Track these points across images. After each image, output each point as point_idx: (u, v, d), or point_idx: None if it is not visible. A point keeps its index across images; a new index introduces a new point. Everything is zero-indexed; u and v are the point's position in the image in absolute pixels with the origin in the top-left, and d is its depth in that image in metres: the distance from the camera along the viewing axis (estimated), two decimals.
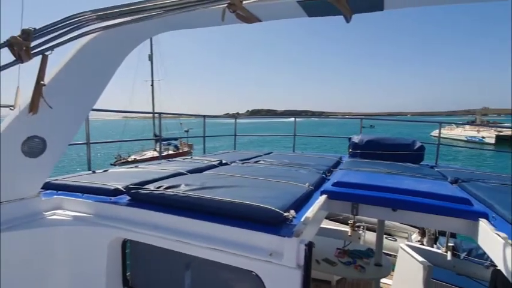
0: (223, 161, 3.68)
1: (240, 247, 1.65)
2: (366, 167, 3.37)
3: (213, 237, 1.74)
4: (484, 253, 4.38)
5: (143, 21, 1.54)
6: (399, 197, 2.29)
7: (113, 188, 2.30)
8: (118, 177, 2.64)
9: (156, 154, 21.13)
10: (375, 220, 6.29)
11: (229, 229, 1.72)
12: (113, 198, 2.21)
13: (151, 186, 2.17)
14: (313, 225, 1.84)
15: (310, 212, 1.92)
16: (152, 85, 28.40)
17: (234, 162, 3.71)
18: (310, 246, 1.54)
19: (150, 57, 28.00)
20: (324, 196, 2.30)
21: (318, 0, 1.61)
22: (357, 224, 5.60)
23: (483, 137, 32.58)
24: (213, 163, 3.55)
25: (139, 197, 2.12)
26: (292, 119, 6.55)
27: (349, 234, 4.93)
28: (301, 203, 2.12)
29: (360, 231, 5.42)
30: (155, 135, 21.36)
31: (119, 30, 1.74)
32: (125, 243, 2.14)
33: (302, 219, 1.80)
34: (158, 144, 10.09)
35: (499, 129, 33.10)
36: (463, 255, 4.45)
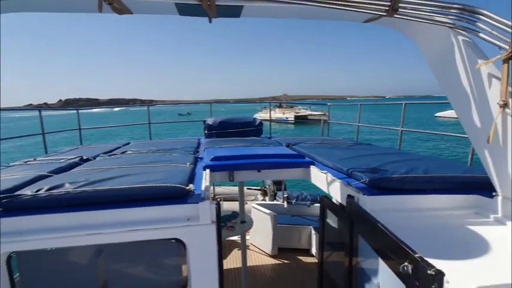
0: (84, 157, 3.40)
1: (159, 222, 1.86)
2: (226, 143, 4.01)
3: (130, 221, 1.85)
4: (306, 196, 6.11)
5: None
6: (261, 160, 3.03)
7: None
8: None
9: None
10: (227, 191, 7.28)
11: (143, 210, 1.88)
12: None
13: (27, 191, 1.92)
14: (209, 193, 2.25)
15: (203, 183, 2.31)
16: None
17: (98, 156, 3.50)
18: (218, 204, 1.95)
19: None
20: (207, 170, 2.73)
21: (191, 4, 1.90)
22: (216, 196, 6.37)
23: (287, 118, 41.45)
24: (73, 160, 3.22)
25: (18, 205, 1.85)
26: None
27: None
28: (192, 178, 2.47)
29: (220, 202, 6.22)
30: None
31: None
32: (10, 259, 1.84)
33: (202, 188, 2.17)
34: None
35: (296, 110, 43.45)
36: (293, 201, 6.04)
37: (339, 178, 2.45)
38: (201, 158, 3.36)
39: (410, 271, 1.19)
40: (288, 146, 4.06)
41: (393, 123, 4.90)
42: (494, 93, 1.78)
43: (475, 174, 2.27)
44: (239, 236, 4.80)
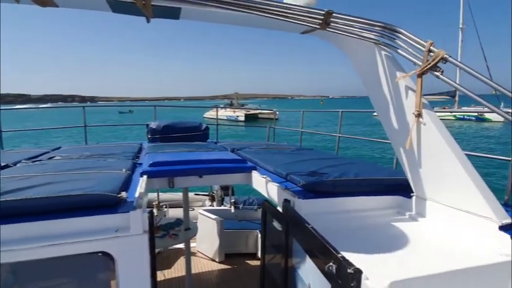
0: (2, 164, 3.00)
1: (84, 234, 1.70)
2: (169, 148, 3.86)
3: (49, 235, 1.67)
4: (253, 201, 6.17)
5: None
6: (202, 166, 2.98)
7: None
8: None
9: None
10: (174, 197, 7.04)
11: (65, 221, 1.71)
12: None
13: None
14: (144, 201, 2.14)
15: (138, 190, 2.19)
16: None
17: (19, 162, 3.11)
18: (151, 213, 1.86)
19: None
20: (145, 176, 2.59)
21: (125, 2, 1.80)
22: (161, 204, 6.11)
23: (238, 116, 41.54)
24: None
25: None
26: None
27: (156, 214, 5.39)
28: (126, 186, 2.32)
29: (165, 209, 5.98)
30: None
31: None
32: None
33: (136, 196, 2.05)
34: None
35: (247, 109, 43.84)
36: (241, 206, 6.07)
37: (278, 182, 2.51)
38: (141, 164, 3.18)
39: (334, 270, 1.26)
40: (232, 151, 4.05)
41: (337, 123, 5.18)
42: (410, 103, 1.96)
43: (398, 176, 2.49)
44: (183, 244, 4.66)
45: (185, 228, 4.27)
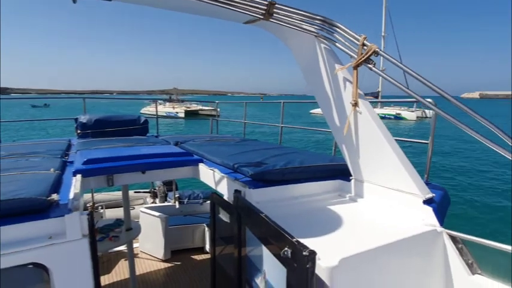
0: None
1: (9, 245, 1.49)
2: (104, 144, 3.56)
3: None
4: (198, 194, 6.06)
5: None
6: (145, 161, 2.82)
7: None
8: None
9: None
10: (110, 197, 6.55)
11: None
12: None
13: None
14: (80, 202, 1.95)
15: (73, 191, 1.99)
16: None
17: None
18: (91, 215, 1.70)
19: None
20: (78, 176, 2.36)
21: None
22: (96, 205, 5.63)
23: (177, 112, 40.15)
24: None
25: None
26: None
27: None
28: (57, 187, 2.10)
29: (101, 211, 5.53)
30: None
31: None
32: None
33: (71, 197, 1.86)
34: None
35: (187, 105, 42.63)
36: (186, 201, 5.90)
37: (227, 174, 2.51)
38: (72, 162, 2.88)
39: (289, 255, 1.30)
40: (176, 144, 3.91)
41: (278, 118, 5.38)
42: (348, 94, 2.12)
43: (337, 162, 2.69)
44: (125, 246, 4.38)
45: (126, 229, 4.01)
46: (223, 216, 2.47)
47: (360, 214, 2.07)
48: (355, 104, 2.08)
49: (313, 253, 1.21)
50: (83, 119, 4.49)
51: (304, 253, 1.21)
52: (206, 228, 5.34)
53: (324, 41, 2.19)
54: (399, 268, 1.67)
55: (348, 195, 2.39)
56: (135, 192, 7.03)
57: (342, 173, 2.54)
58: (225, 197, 2.58)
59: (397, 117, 39.54)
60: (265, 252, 1.65)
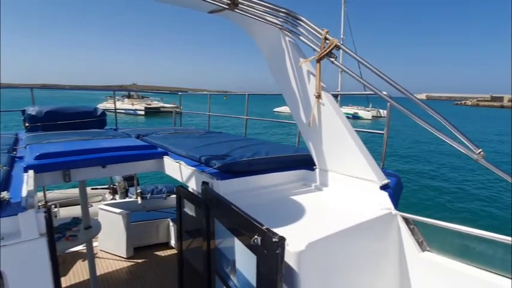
0: None
1: None
2: (57, 137, 3.32)
3: None
4: (161, 189, 5.90)
5: None
6: (105, 154, 2.70)
7: None
8: None
9: None
10: (66, 195, 6.14)
11: None
12: None
13: None
14: (35, 199, 1.82)
15: (25, 188, 1.85)
16: None
17: None
18: (49, 212, 1.60)
19: None
20: (31, 171, 2.20)
21: None
22: (48, 203, 5.26)
23: (136, 109, 38.32)
24: None
25: None
26: None
27: None
28: (6, 184, 1.95)
29: (55, 209, 5.18)
30: None
31: None
32: None
33: (24, 195, 1.73)
34: None
35: (148, 102, 40.97)
36: (148, 196, 5.72)
37: (193, 166, 2.49)
38: (21, 158, 2.67)
39: (259, 242, 1.34)
40: (138, 137, 3.77)
41: (242, 115, 5.42)
42: (312, 86, 2.21)
43: (301, 153, 2.79)
44: (84, 245, 4.14)
45: (85, 227, 3.79)
46: (190, 209, 2.46)
47: (324, 201, 2.18)
48: (319, 96, 2.18)
49: (282, 239, 1.26)
50: (32, 110, 4.13)
51: (274, 239, 1.26)
52: (171, 223, 5.22)
53: (288, 34, 2.25)
54: (359, 249, 1.80)
55: (312, 184, 2.49)
56: (92, 189, 6.65)
57: (306, 163, 2.64)
58: (191, 189, 2.56)
59: (355, 117, 41.71)
60: (235, 242, 1.67)
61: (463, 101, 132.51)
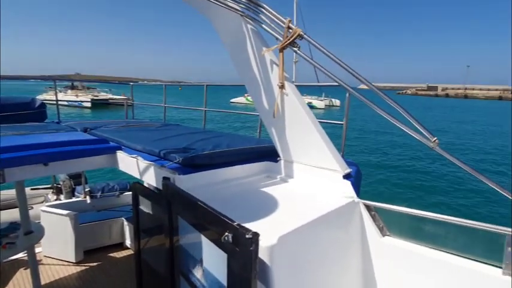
0: None
1: None
2: None
3: None
4: (113, 186, 5.51)
5: None
6: (48, 150, 2.41)
7: None
8: None
9: None
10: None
11: None
12: None
13: None
14: None
15: None
16: None
17: None
18: None
19: None
20: None
21: None
22: None
23: (82, 102, 35.42)
24: None
25: None
26: None
27: None
28: None
29: None
30: None
31: None
32: None
33: None
34: None
35: (95, 93, 37.98)
36: (99, 194, 5.30)
37: (152, 161, 2.32)
38: None
39: (231, 239, 1.26)
40: (85, 130, 3.44)
41: (198, 106, 5.22)
42: (275, 76, 2.16)
43: (264, 144, 2.75)
44: (25, 252, 3.71)
45: (25, 233, 3.40)
46: (148, 206, 2.30)
47: (290, 192, 2.16)
48: (282, 86, 2.14)
49: (256, 235, 1.20)
50: None
51: (247, 236, 1.20)
52: (125, 222, 4.90)
53: (250, 21, 2.17)
54: (327, 238, 1.82)
55: (277, 176, 2.47)
56: (32, 189, 5.99)
57: (268, 154, 2.61)
58: (146, 185, 2.39)
59: (309, 106, 43.34)
60: (202, 240, 1.58)
61: (404, 91, 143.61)
